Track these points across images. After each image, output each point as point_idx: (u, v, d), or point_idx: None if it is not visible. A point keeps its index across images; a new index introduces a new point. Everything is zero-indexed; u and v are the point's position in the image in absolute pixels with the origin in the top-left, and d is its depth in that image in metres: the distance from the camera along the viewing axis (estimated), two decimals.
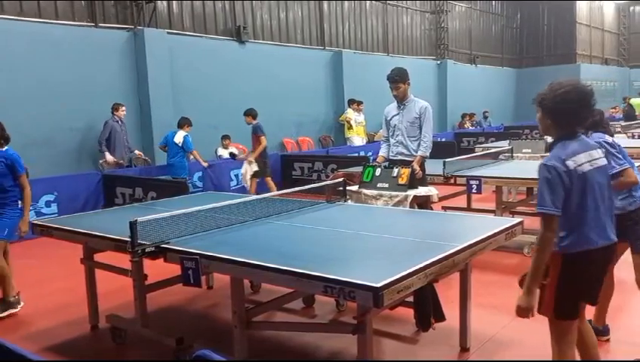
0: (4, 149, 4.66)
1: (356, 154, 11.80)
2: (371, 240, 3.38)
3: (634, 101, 17.13)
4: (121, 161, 9.39)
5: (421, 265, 2.64)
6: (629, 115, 17.48)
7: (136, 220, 3.21)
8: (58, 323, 4.52)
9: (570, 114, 2.60)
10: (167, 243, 3.27)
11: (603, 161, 2.68)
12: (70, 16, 9.65)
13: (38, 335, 4.29)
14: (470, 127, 18.50)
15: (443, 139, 14.91)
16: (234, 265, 2.87)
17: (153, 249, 3.25)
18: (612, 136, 3.62)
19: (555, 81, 2.70)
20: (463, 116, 18.86)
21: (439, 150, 10.77)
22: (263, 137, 9.12)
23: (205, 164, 9.54)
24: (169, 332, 3.88)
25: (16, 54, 8.72)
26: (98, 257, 4.28)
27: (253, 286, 4.96)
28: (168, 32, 10.89)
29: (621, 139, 10.62)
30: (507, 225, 3.47)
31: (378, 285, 2.37)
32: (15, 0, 8.88)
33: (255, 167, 9.20)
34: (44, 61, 9.08)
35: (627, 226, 3.36)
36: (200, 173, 9.62)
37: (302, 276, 2.60)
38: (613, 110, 22.13)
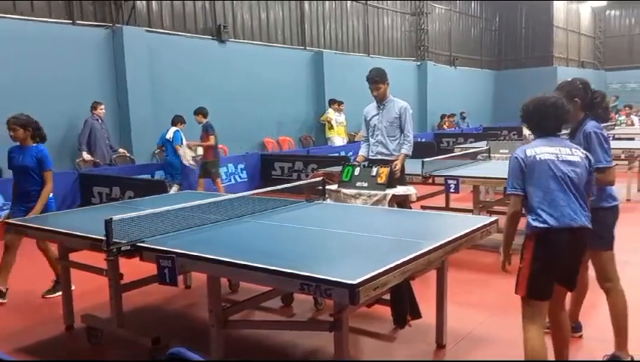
0: (36, 145, 4.94)
1: (337, 154, 11.83)
2: (348, 238, 3.40)
3: None
4: (98, 160, 9.28)
5: (397, 263, 2.66)
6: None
7: (111, 218, 3.18)
8: (32, 323, 4.45)
9: (530, 121, 3.10)
10: (143, 241, 3.24)
11: (575, 158, 2.95)
12: (47, 13, 9.50)
13: (11, 336, 4.20)
14: (449, 128, 18.68)
15: (423, 140, 15.03)
16: (211, 263, 2.86)
17: (129, 248, 3.22)
18: (607, 120, 3.68)
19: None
20: (443, 117, 19.03)
21: (419, 150, 10.81)
22: (212, 136, 9.27)
23: (188, 162, 9.52)
24: (145, 332, 3.85)
25: None
26: (75, 256, 4.23)
27: (231, 286, 4.95)
28: (147, 31, 10.79)
29: None
30: (482, 224, 3.52)
31: (354, 282, 2.38)
32: None
33: (192, 153, 9.42)
34: (20, 58, 8.91)
35: None
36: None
37: (279, 274, 2.60)
38: None
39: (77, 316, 4.21)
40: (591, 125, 3.37)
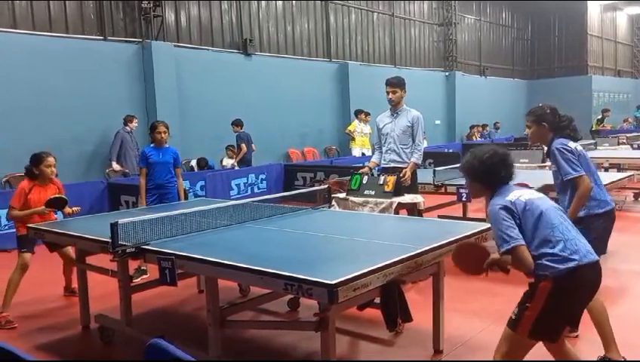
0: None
1: (361, 165, 11.87)
2: (342, 243, 3.50)
3: None
4: (127, 171, 9.66)
5: (379, 265, 2.76)
6: None
7: (116, 222, 3.37)
8: (50, 323, 4.68)
9: (482, 179, 2.85)
10: (147, 244, 3.42)
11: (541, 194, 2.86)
12: (80, 29, 9.98)
13: (29, 335, 4.43)
14: (479, 138, 18.49)
15: (450, 150, 14.93)
16: (203, 264, 3.01)
17: (133, 250, 3.41)
18: (577, 140, 3.73)
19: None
20: (472, 127, 18.86)
21: (444, 160, 10.83)
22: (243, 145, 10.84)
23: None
24: (154, 331, 4.01)
25: (27, 68, 9.04)
26: (94, 260, 4.41)
27: (241, 291, 5.09)
28: (175, 45, 11.18)
29: (624, 151, 10.61)
30: (477, 230, 3.57)
31: (333, 282, 2.49)
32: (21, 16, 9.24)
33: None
34: (54, 73, 9.38)
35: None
36: (202, 182, 9.81)
37: (264, 274, 2.73)
38: (626, 122, 21.98)
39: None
40: (555, 143, 3.64)
